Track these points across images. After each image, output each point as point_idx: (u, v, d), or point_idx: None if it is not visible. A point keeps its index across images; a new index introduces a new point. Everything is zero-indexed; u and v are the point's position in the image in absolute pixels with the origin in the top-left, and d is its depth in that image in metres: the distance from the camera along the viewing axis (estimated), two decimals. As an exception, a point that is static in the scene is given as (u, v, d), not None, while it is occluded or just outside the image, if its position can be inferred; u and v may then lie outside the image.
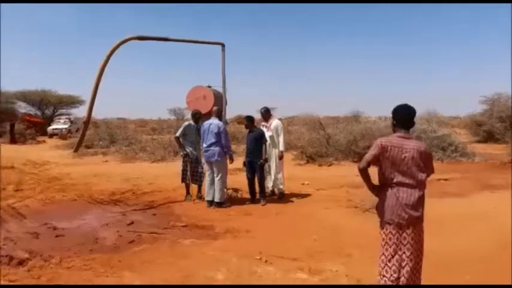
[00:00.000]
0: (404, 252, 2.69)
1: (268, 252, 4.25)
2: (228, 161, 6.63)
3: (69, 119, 31.83)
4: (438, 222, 5.46)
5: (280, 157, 7.00)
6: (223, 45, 7.25)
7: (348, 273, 3.68)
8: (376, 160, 2.72)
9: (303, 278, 3.61)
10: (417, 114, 2.91)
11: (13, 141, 21.39)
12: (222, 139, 6.35)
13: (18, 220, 5.73)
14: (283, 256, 4.14)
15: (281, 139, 7.03)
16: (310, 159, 12.31)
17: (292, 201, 6.90)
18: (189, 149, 6.81)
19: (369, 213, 5.89)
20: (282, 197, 6.97)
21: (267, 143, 6.74)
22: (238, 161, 7.60)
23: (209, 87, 7.95)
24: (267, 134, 6.93)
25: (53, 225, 5.40)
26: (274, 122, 7.15)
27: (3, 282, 3.49)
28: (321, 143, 13.37)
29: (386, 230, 2.75)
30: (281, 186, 6.99)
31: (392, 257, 2.71)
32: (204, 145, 6.45)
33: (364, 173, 2.76)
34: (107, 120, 27.71)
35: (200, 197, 6.83)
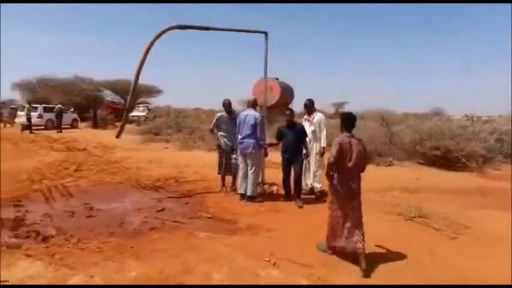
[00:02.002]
0: (350, 217, 3.83)
1: (281, 254, 3.96)
2: (263, 154, 6.40)
3: (147, 107, 34.09)
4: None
5: (322, 153, 6.57)
6: (266, 33, 6.94)
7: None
8: (339, 155, 3.72)
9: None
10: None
11: (95, 125, 23.60)
12: (258, 131, 6.12)
13: (65, 198, 6.16)
14: (294, 261, 3.82)
15: (323, 134, 6.59)
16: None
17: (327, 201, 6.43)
18: (223, 140, 6.69)
19: (411, 222, 5.28)
20: (319, 196, 6.54)
21: (307, 138, 6.38)
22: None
23: (276, 79, 7.70)
24: (309, 129, 6.55)
25: (91, 205, 5.70)
26: (317, 116, 6.71)
27: (20, 255, 3.72)
28: (383, 141, 12.43)
29: (339, 201, 3.86)
30: (319, 185, 6.55)
31: (343, 220, 3.86)
32: (239, 137, 6.28)
33: (332, 166, 3.80)
34: (178, 109, 29.10)
35: (234, 189, 6.69)
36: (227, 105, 6.77)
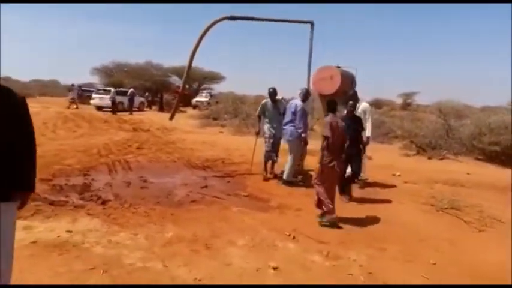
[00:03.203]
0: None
1: (302, 230, 4.32)
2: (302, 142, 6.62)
3: (210, 93, 35.61)
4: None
5: (366, 143, 6.59)
6: (312, 23, 7.14)
7: (364, 265, 3.51)
8: (333, 131, 4.62)
9: (315, 259, 3.60)
10: None
11: (161, 109, 25.37)
12: (296, 119, 6.40)
13: (125, 171, 7.05)
14: (313, 237, 4.16)
15: (369, 124, 6.58)
16: (421, 150, 11.17)
17: (366, 190, 6.56)
18: (266, 126, 6.98)
19: (443, 213, 5.29)
20: (361, 185, 6.64)
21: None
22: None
23: (338, 67, 7.59)
24: None
25: (145, 178, 6.49)
26: (362, 106, 6.74)
27: (83, 214, 4.52)
28: (440, 134, 11.95)
29: (331, 168, 4.66)
30: (361, 174, 6.49)
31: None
32: (283, 122, 6.61)
33: (328, 144, 4.62)
34: (240, 96, 29.98)
35: (271, 173, 7.04)
36: (272, 93, 6.90)
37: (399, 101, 46.40)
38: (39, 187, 5.50)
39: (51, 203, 4.81)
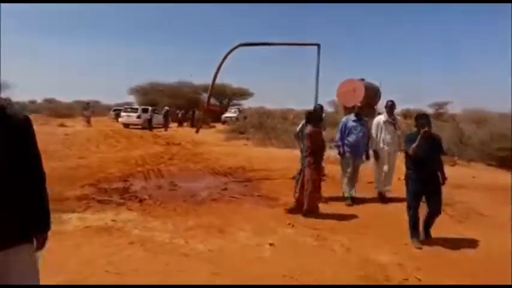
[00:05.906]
0: None
1: (300, 222, 5.19)
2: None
3: (238, 108, 37.02)
4: None
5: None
6: (319, 46, 8.05)
7: (345, 244, 4.33)
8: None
9: (304, 241, 4.47)
10: None
11: (192, 125, 26.90)
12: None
13: (158, 178, 8.19)
14: (308, 226, 5.02)
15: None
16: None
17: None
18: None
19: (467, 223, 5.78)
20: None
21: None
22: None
23: (362, 80, 7.97)
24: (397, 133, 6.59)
25: (174, 183, 7.58)
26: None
27: (124, 209, 5.62)
28: (454, 140, 12.36)
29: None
30: (389, 187, 6.78)
31: None
32: None
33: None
34: (268, 110, 31.10)
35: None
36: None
37: (430, 111, 45.92)
38: (89, 189, 6.74)
39: (99, 201, 5.97)
